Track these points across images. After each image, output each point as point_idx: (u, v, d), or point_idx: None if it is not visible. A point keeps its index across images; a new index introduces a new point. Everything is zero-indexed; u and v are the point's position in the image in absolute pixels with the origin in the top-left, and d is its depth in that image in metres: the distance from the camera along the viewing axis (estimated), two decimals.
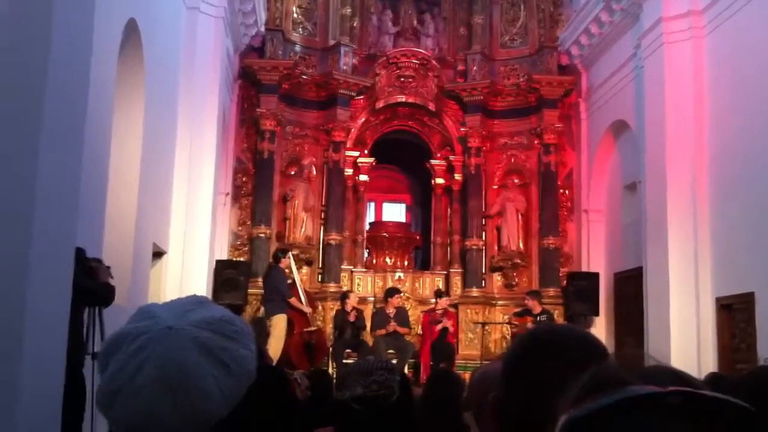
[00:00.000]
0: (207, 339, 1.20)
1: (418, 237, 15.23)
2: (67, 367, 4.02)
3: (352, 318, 12.19)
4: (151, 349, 1.18)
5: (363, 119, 14.39)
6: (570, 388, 0.89)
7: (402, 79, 14.32)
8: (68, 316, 4.01)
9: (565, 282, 13.34)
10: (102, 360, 1.23)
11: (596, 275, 12.96)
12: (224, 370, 1.20)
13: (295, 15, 14.29)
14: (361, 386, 2.42)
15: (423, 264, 15.31)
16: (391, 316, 12.36)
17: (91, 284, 5.44)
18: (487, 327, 13.02)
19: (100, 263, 5.75)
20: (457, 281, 14.09)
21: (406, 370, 11.58)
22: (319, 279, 13.69)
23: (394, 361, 10.58)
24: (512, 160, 14.55)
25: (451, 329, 12.64)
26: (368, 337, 12.53)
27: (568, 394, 0.88)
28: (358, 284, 13.89)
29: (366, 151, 14.59)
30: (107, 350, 1.23)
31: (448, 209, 14.78)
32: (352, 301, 12.36)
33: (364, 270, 14.23)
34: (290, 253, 12.30)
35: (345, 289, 13.20)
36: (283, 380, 2.95)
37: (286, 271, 12.03)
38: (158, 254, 9.62)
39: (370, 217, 15.86)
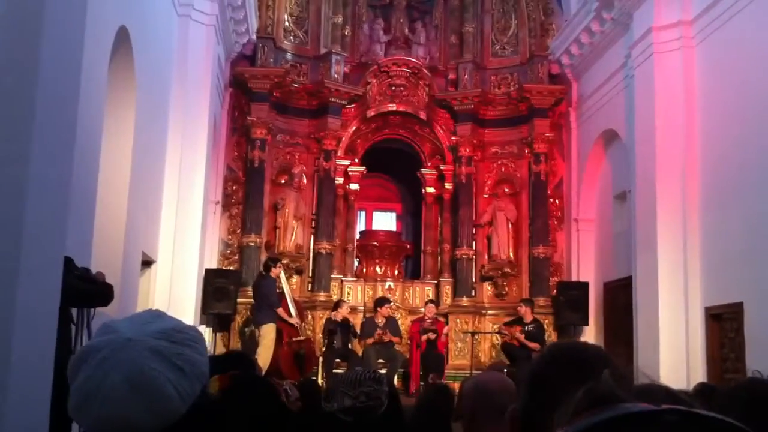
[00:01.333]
0: (162, 347, 1.37)
1: (408, 246, 15.21)
2: (56, 371, 4.00)
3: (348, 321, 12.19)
4: (114, 358, 1.35)
5: (354, 128, 14.39)
6: (566, 404, 0.88)
7: (393, 88, 14.34)
8: (57, 320, 3.99)
9: (555, 291, 13.35)
10: (71, 372, 1.39)
11: (586, 284, 12.97)
12: (179, 373, 1.37)
13: (286, 23, 14.30)
14: (349, 398, 2.40)
15: (413, 273, 15.29)
16: (381, 325, 12.34)
17: (93, 287, 5.46)
18: (476, 336, 13.00)
19: (89, 272, 5.74)
20: (447, 290, 14.07)
21: (395, 380, 11.55)
22: (309, 288, 13.66)
23: (384, 371, 10.56)
24: (503, 169, 14.57)
25: (444, 339, 12.63)
26: (357, 347, 12.49)
27: (563, 410, 0.88)
28: (348, 293, 13.86)
29: (357, 160, 14.59)
30: (76, 363, 1.39)
31: (439, 218, 14.78)
32: (343, 311, 12.34)
33: (354, 279, 14.21)
34: (281, 262, 12.28)
35: (336, 298, 13.17)
36: (272, 391, 2.93)
37: (277, 280, 12.00)
38: (147, 263, 9.57)
39: (360, 225, 15.83)
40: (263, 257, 12.97)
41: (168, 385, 1.35)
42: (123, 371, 1.33)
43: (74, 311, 5.44)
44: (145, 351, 1.36)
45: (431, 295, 13.84)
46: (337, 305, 12.47)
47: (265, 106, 13.46)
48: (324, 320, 12.59)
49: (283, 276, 12.24)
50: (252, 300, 12.17)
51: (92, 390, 1.34)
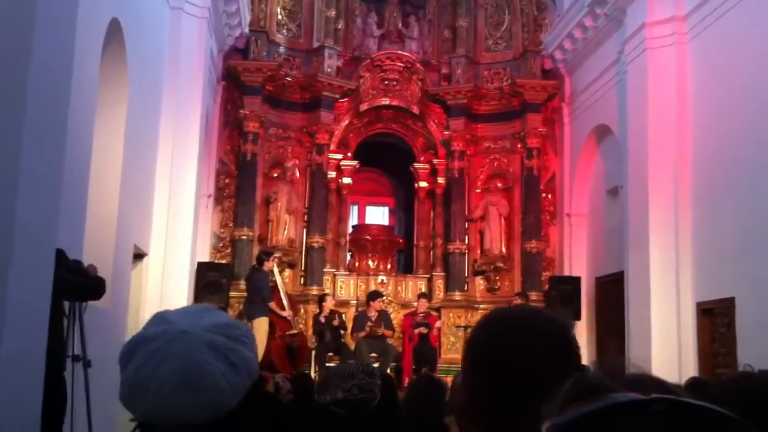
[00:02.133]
0: (217, 342, 1.38)
1: (401, 240, 15.23)
2: (48, 367, 3.99)
3: (335, 323, 12.17)
4: (168, 350, 1.35)
5: (347, 122, 14.38)
6: (554, 395, 0.88)
7: (386, 82, 14.33)
8: (48, 315, 3.97)
9: (547, 286, 13.37)
10: (123, 359, 1.39)
11: (578, 279, 12.99)
12: (232, 369, 1.38)
13: (279, 16, 14.26)
14: (341, 390, 2.41)
15: (406, 267, 15.31)
16: (373, 319, 12.35)
17: (86, 281, 5.45)
18: (469, 330, 12.99)
19: (80, 264, 5.72)
20: (439, 285, 14.10)
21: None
22: (302, 282, 13.66)
23: (376, 365, 10.58)
24: (495, 164, 14.58)
25: (435, 332, 12.66)
26: (349, 341, 12.50)
27: (552, 401, 0.88)
28: (341, 287, 13.87)
29: (349, 154, 14.59)
30: (128, 352, 1.40)
31: (432, 212, 14.80)
32: (328, 304, 12.36)
33: (346, 273, 14.21)
34: (274, 256, 12.27)
35: (322, 293, 13.14)
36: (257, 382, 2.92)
37: (270, 274, 11.99)
38: (139, 256, 9.55)
39: (353, 220, 15.84)
40: (255, 251, 12.96)
41: (222, 379, 1.35)
42: (177, 363, 1.34)
43: (66, 305, 5.42)
44: (201, 344, 1.36)
45: (424, 290, 13.86)
46: (321, 299, 12.49)
47: (257, 99, 13.43)
48: (314, 317, 12.59)
49: (276, 269, 12.24)
50: (245, 293, 12.16)
51: (145, 380, 1.34)
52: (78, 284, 5.29)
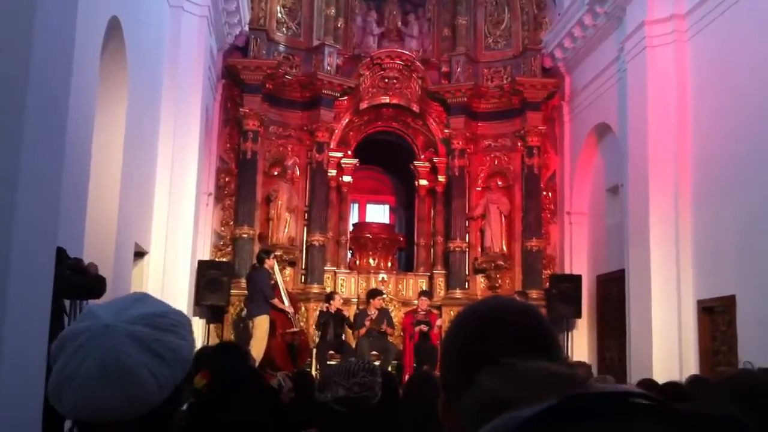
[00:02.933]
0: (140, 333, 1.35)
1: (401, 238, 15.22)
2: (49, 367, 3.98)
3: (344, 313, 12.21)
4: (90, 345, 1.34)
5: (347, 120, 14.37)
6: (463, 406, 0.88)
7: (386, 80, 14.32)
8: (49, 314, 3.97)
9: (547, 284, 13.37)
10: (52, 357, 1.39)
11: (579, 277, 12.99)
12: (158, 360, 1.35)
13: (279, 15, 14.25)
14: (342, 388, 2.41)
15: (406, 265, 15.30)
16: (373, 317, 12.36)
17: (86, 279, 5.43)
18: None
19: (81, 262, 5.72)
20: (440, 283, 14.10)
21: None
22: (302, 280, 13.66)
23: (377, 363, 10.57)
24: (496, 162, 14.58)
25: (436, 330, 12.66)
26: (351, 338, 12.51)
27: (464, 411, 0.88)
28: (342, 285, 13.87)
29: (350, 152, 14.57)
30: (56, 349, 1.38)
31: (432, 211, 14.79)
32: (336, 303, 12.36)
33: (347, 271, 14.20)
34: (274, 254, 12.27)
35: (329, 290, 13.19)
36: (261, 384, 2.91)
37: (270, 272, 11.99)
38: (140, 254, 9.55)
39: (353, 218, 15.82)
40: (256, 249, 12.96)
41: (145, 373, 1.33)
42: (98, 358, 1.32)
43: (67, 303, 5.41)
44: (123, 337, 1.34)
45: (425, 288, 13.85)
46: (329, 297, 12.49)
47: (257, 97, 13.42)
48: (317, 312, 12.59)
49: (276, 268, 12.24)
50: (245, 291, 12.16)
51: (68, 377, 1.33)
52: (78, 283, 5.29)
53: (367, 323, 12.19)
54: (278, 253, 12.74)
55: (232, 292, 12.45)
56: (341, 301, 12.67)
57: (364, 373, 2.45)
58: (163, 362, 1.36)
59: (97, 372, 1.31)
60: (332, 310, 12.23)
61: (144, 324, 1.37)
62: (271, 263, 11.94)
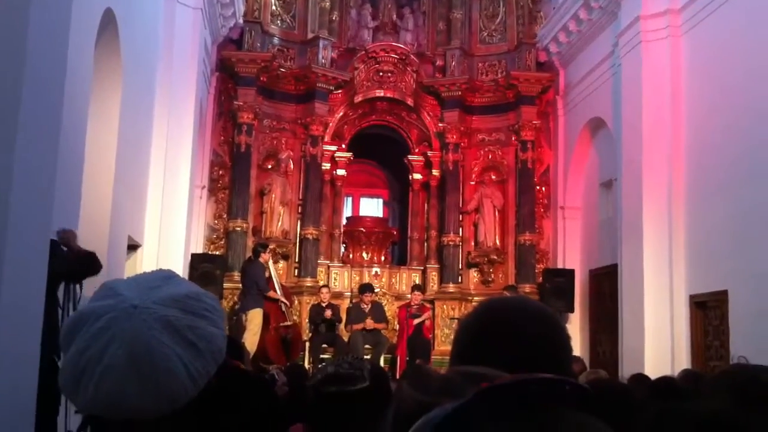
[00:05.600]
0: (173, 318, 1.18)
1: (395, 232, 15.23)
2: (42, 356, 3.97)
3: (329, 315, 12.18)
4: (115, 329, 1.15)
5: (341, 113, 14.36)
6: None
7: (381, 74, 14.30)
8: (43, 305, 3.96)
9: (541, 278, 13.39)
10: (64, 340, 1.19)
11: (572, 272, 13.02)
12: (191, 349, 1.17)
13: (273, 7, 14.22)
14: (332, 366, 2.45)
15: (400, 259, 15.32)
16: (366, 311, 12.37)
17: (78, 257, 5.22)
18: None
19: (64, 231, 5.40)
20: (433, 277, 14.11)
21: (381, 365, 11.58)
22: (296, 273, 13.66)
23: (369, 357, 10.61)
24: (489, 157, 14.59)
25: (428, 323, 12.68)
26: (344, 332, 12.51)
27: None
28: (335, 279, 13.87)
29: (344, 146, 14.57)
30: (70, 329, 1.19)
31: (426, 205, 14.80)
32: (324, 296, 12.43)
33: (340, 265, 14.21)
34: (270, 248, 12.27)
35: (322, 284, 13.20)
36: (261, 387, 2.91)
37: (265, 266, 11.99)
38: (133, 247, 9.53)
39: (347, 211, 15.84)
40: (250, 242, 12.96)
41: (179, 364, 1.16)
42: (125, 345, 1.14)
43: (60, 295, 5.33)
44: (153, 321, 1.16)
45: (418, 282, 13.87)
46: (319, 290, 12.63)
47: (251, 90, 13.39)
48: (310, 306, 12.60)
49: (270, 261, 12.24)
50: (239, 285, 12.16)
51: (88, 365, 1.14)
52: (70, 265, 5.10)
53: (368, 324, 12.17)
54: (272, 246, 12.73)
55: (226, 285, 12.43)
56: (329, 294, 12.64)
57: (353, 359, 2.50)
58: (197, 352, 1.18)
59: (125, 360, 1.13)
60: (323, 303, 12.26)
61: (176, 307, 1.19)
62: (267, 257, 11.94)
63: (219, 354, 1.24)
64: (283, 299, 11.97)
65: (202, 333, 1.20)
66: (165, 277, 1.27)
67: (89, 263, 5.33)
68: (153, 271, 1.30)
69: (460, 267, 14.12)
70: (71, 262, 5.17)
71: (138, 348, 1.14)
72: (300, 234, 13.75)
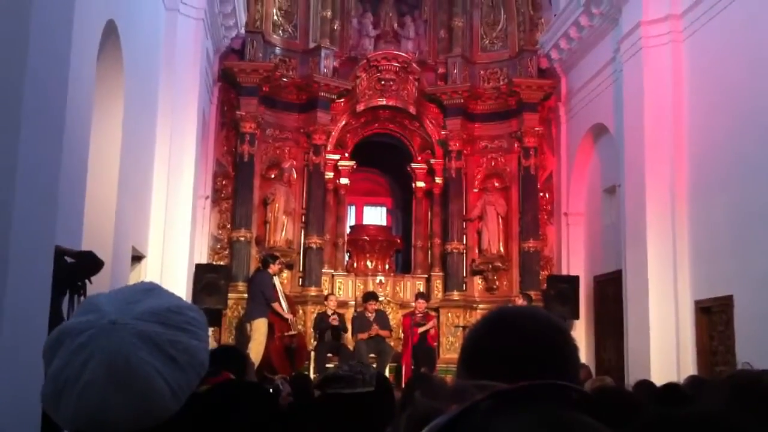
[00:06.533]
0: (152, 333, 1.18)
1: (398, 240, 15.21)
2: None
3: (334, 322, 12.17)
4: (94, 345, 1.16)
5: (343, 122, 14.37)
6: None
7: (382, 82, 14.32)
8: (48, 313, 3.96)
9: (545, 285, 13.37)
10: (45, 355, 1.21)
11: (576, 278, 13.00)
12: (171, 364, 1.18)
13: (275, 17, 14.26)
14: (340, 369, 2.46)
15: (404, 267, 15.30)
16: (371, 319, 12.36)
17: (79, 258, 5.14)
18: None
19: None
20: (438, 285, 14.10)
21: (387, 374, 11.57)
22: (300, 283, 13.64)
23: (374, 365, 10.59)
24: (492, 164, 14.59)
25: (433, 331, 12.66)
26: (349, 341, 12.50)
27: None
28: (339, 288, 13.86)
29: (347, 154, 14.58)
30: (51, 345, 1.20)
31: (429, 212, 14.79)
32: (331, 305, 12.41)
33: (345, 273, 14.19)
34: (280, 260, 12.25)
35: (326, 293, 13.19)
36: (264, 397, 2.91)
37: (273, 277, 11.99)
38: (137, 258, 9.53)
39: (350, 220, 15.82)
40: (254, 252, 12.96)
41: (158, 379, 1.16)
42: (104, 361, 1.14)
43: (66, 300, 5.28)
44: (132, 337, 1.16)
45: (422, 290, 13.85)
46: (325, 298, 12.60)
47: (254, 100, 13.42)
48: (315, 315, 12.59)
49: (276, 278, 12.21)
50: (244, 294, 12.16)
51: (68, 381, 1.16)
52: (71, 265, 5.04)
53: (372, 332, 12.16)
54: (280, 258, 12.71)
55: (230, 295, 12.44)
56: (335, 303, 12.65)
57: (358, 366, 2.52)
58: (178, 367, 1.19)
59: (104, 376, 1.14)
60: (329, 311, 12.25)
61: (157, 321, 1.20)
62: (276, 269, 11.94)
63: (201, 367, 1.25)
64: (287, 315, 11.93)
65: (184, 347, 1.21)
66: (146, 290, 1.27)
67: (89, 258, 5.28)
68: (135, 284, 1.31)
69: (465, 275, 14.09)
70: (71, 263, 5.12)
71: (117, 364, 1.15)
72: (304, 243, 13.74)
